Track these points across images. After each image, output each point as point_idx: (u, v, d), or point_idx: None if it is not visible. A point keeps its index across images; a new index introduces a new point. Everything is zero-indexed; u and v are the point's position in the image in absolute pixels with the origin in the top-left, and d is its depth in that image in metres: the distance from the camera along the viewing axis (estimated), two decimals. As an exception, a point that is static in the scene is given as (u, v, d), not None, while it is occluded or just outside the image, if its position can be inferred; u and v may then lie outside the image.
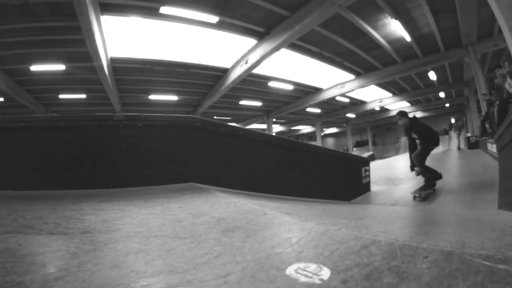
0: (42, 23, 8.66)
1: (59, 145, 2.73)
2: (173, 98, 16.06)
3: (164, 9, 8.36)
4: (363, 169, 5.20)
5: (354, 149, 28.40)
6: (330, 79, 15.69)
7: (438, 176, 4.33)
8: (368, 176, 5.39)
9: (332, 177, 4.33)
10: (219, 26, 9.31)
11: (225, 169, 3.09)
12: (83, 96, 15.03)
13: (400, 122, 4.44)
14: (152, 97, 15.68)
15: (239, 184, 2.96)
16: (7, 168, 2.59)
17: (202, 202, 1.69)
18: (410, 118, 4.41)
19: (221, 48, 11.04)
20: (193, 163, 2.93)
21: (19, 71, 11.86)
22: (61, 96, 14.94)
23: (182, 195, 2.04)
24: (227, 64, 12.43)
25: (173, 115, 3.30)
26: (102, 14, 8.36)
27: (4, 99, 14.10)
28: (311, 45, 11.23)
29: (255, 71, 12.21)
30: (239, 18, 9.15)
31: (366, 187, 5.23)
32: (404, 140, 25.38)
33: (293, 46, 10.91)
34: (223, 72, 13.02)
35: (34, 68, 11.46)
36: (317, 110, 22.58)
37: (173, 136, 3.00)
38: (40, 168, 2.61)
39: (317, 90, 17.33)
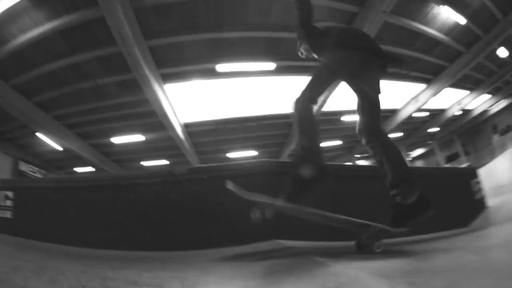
0: (114, 100, 10.06)
1: (119, 204, 2.63)
2: (252, 153, 15.97)
3: (220, 67, 8.82)
4: (472, 182, 3.95)
5: (447, 165, 24.07)
6: (402, 97, 14.11)
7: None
8: (481, 189, 4.07)
9: (438, 201, 3.23)
10: (278, 71, 9.33)
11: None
12: (165, 162, 16.13)
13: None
14: (231, 155, 15.94)
15: (335, 233, 2.27)
16: (70, 226, 2.59)
17: (284, 276, 1.06)
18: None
19: (286, 93, 11.03)
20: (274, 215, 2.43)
21: (103, 144, 13.76)
22: (144, 163, 16.67)
23: (255, 261, 1.47)
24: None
25: (242, 161, 2.95)
26: (164, 84, 9.26)
27: (94, 169, 16.40)
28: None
29: (325, 108, 11.64)
30: (293, 59, 9.06)
31: (481, 204, 3.92)
32: (497, 139, 20.57)
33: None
34: (288, 118, 12.81)
35: (116, 140, 13.13)
36: (398, 134, 20.47)
37: (245, 186, 2.61)
38: (99, 227, 2.54)
39: (393, 112, 15.77)
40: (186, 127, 12.26)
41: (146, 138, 13.05)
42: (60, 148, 13.58)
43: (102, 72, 8.72)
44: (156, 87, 8.76)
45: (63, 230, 2.51)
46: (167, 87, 9.46)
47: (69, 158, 15.79)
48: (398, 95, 13.73)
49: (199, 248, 2.26)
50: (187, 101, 10.61)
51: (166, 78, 9.05)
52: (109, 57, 7.88)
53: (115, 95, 9.86)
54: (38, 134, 12.41)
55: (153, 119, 10.98)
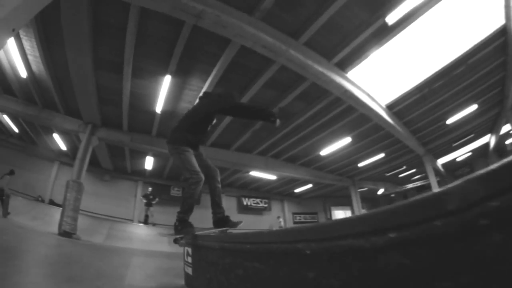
0: (306, 115, 9.99)
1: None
2: (472, 108, 11.25)
3: (390, 18, 6.55)
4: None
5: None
6: None
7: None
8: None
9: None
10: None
11: None
12: (381, 155, 14.63)
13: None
14: (452, 119, 12.05)
15: None
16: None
17: None
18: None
19: (473, 12, 6.79)
20: None
21: (313, 159, 14.39)
22: (360, 164, 15.68)
23: None
24: (498, 22, 7.23)
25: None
26: (345, 72, 8.05)
27: (312, 184, 18.27)
28: None
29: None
30: None
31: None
32: None
33: None
34: (502, 35, 7.61)
35: (324, 152, 13.21)
36: None
37: None
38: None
39: None
40: (390, 108, 10.17)
41: (353, 137, 12.10)
42: (274, 177, 15.84)
43: (278, 95, 8.92)
44: (339, 79, 7.69)
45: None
46: (350, 74, 8.18)
47: (285, 183, 18.25)
48: None
49: None
50: (378, 80, 8.74)
51: (342, 65, 7.77)
52: (273, 77, 7.89)
53: (303, 109, 9.82)
54: (251, 173, 15.05)
55: (352, 114, 9.95)
